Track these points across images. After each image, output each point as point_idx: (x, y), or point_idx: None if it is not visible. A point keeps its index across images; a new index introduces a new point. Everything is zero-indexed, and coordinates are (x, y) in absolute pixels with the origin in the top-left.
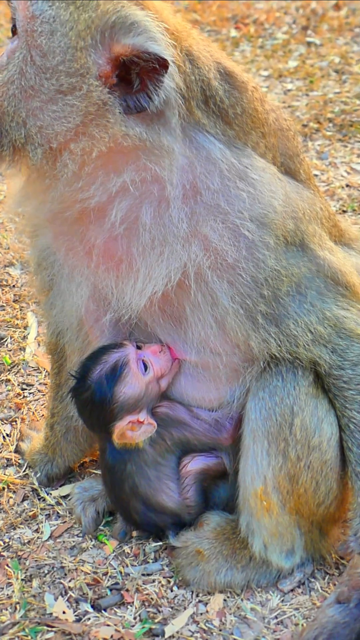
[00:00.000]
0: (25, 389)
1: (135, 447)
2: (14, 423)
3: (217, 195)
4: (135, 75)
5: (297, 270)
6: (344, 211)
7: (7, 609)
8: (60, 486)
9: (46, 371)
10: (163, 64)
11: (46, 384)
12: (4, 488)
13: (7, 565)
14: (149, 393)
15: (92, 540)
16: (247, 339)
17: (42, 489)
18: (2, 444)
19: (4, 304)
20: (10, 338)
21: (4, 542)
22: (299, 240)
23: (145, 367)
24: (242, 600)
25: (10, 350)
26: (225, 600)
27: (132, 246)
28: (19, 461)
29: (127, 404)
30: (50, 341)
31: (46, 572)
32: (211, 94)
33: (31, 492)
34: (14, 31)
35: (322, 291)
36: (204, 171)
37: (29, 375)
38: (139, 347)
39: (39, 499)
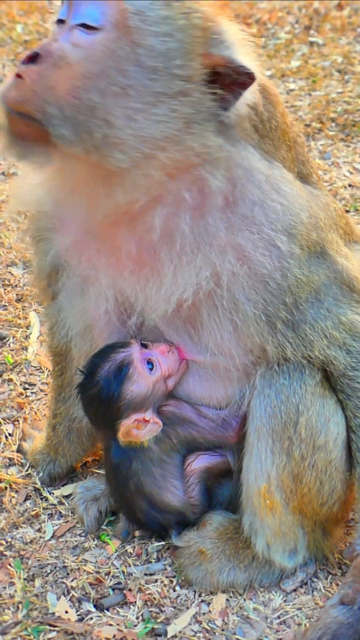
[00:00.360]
0: (28, 389)
1: (140, 446)
2: (17, 422)
3: (255, 206)
4: (219, 85)
5: (317, 277)
6: (347, 211)
7: (9, 609)
8: (63, 485)
9: (48, 371)
10: (251, 77)
11: (48, 384)
12: (6, 487)
13: (10, 564)
14: (155, 392)
15: (94, 540)
16: (264, 343)
17: (45, 488)
18: (5, 443)
19: (6, 304)
20: (13, 337)
21: (7, 542)
22: (320, 249)
23: (152, 367)
24: (244, 600)
25: (12, 350)
26: (227, 600)
27: (165, 252)
28: (22, 460)
29: (134, 402)
30: (55, 343)
31: (48, 571)
32: (254, 106)
33: (33, 492)
34: (91, 26)
35: (338, 297)
36: (246, 182)
37: (31, 374)
38: (145, 346)
39: (41, 499)
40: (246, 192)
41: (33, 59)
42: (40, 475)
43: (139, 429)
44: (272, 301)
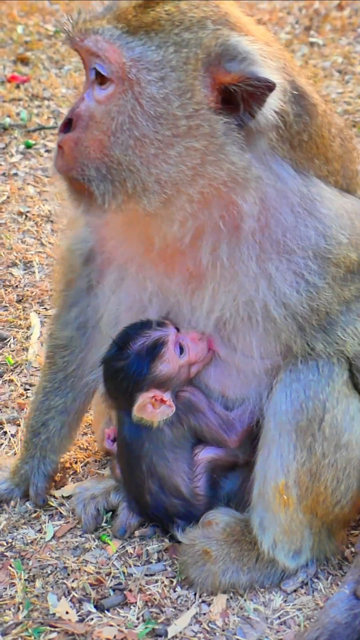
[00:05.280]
0: (29, 389)
1: (151, 427)
2: (19, 425)
3: (287, 232)
4: (240, 98)
5: (348, 293)
6: None
7: (10, 609)
8: (63, 487)
9: None
10: (269, 87)
11: None
12: None
13: (11, 565)
14: (179, 376)
15: (95, 541)
16: (291, 342)
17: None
18: (7, 445)
19: (7, 305)
20: (14, 338)
21: (7, 543)
22: (357, 266)
23: (182, 351)
24: (245, 600)
25: (13, 351)
26: (228, 600)
27: (208, 279)
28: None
29: (157, 380)
30: (65, 335)
31: (49, 572)
32: (282, 116)
33: None
34: (102, 79)
35: None
36: (278, 204)
37: (32, 375)
38: (178, 330)
39: None
40: (278, 216)
41: (68, 125)
42: (37, 482)
43: (154, 407)
44: (304, 315)
